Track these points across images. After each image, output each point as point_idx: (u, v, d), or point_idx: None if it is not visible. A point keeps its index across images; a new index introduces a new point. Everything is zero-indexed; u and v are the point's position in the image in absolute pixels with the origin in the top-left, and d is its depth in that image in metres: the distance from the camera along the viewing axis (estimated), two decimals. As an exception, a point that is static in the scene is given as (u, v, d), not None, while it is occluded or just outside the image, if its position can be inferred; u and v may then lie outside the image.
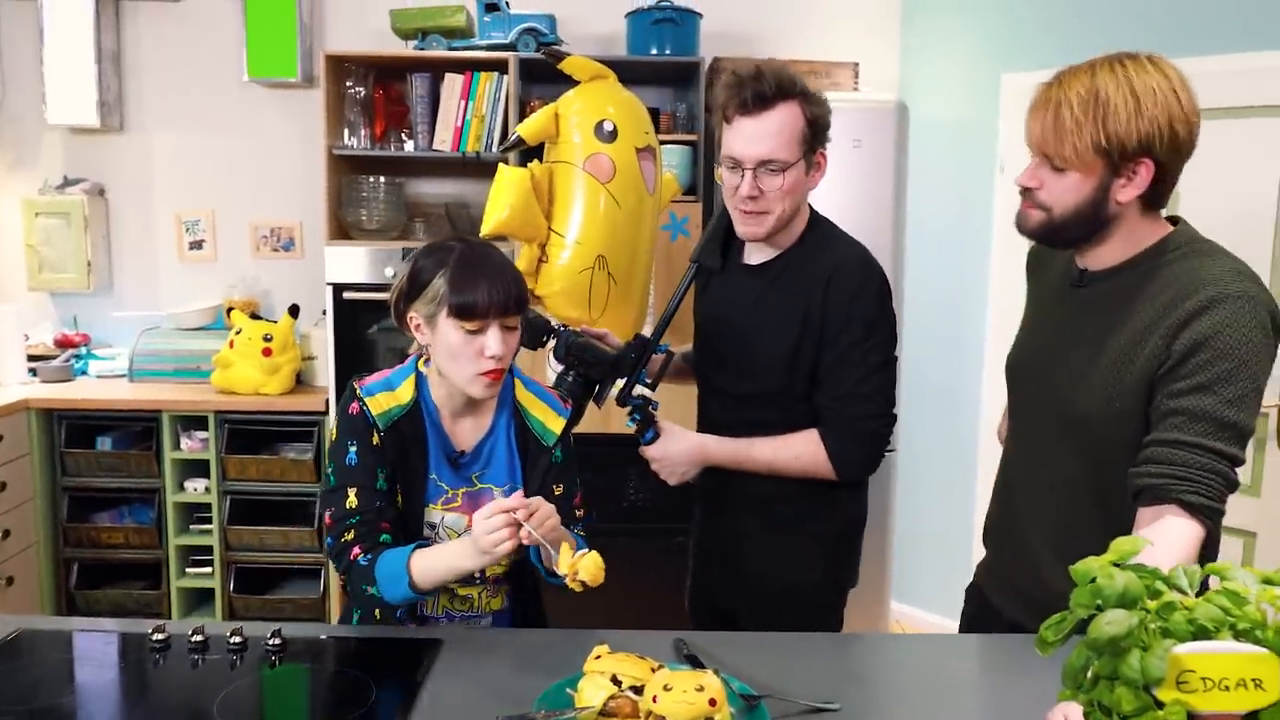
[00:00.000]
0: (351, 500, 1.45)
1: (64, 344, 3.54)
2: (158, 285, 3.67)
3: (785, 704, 1.22)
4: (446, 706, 1.24)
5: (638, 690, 1.14)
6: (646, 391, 1.74)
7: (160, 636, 1.38)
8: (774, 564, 1.78)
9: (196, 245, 3.66)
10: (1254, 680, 0.80)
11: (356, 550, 1.44)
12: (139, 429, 3.30)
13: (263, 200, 3.64)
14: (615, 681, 1.15)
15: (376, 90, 3.33)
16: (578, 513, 1.59)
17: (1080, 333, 1.43)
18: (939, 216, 3.47)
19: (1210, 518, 1.25)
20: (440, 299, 1.42)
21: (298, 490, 3.24)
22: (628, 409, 1.74)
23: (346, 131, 3.28)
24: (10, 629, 1.44)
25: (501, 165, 1.81)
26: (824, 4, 3.62)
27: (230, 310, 3.35)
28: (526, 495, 1.52)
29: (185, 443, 3.24)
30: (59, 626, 1.51)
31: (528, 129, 1.83)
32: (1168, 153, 1.31)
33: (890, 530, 3.41)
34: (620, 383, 1.73)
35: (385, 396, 1.49)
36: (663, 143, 3.13)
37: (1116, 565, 0.87)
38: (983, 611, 1.64)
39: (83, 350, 3.54)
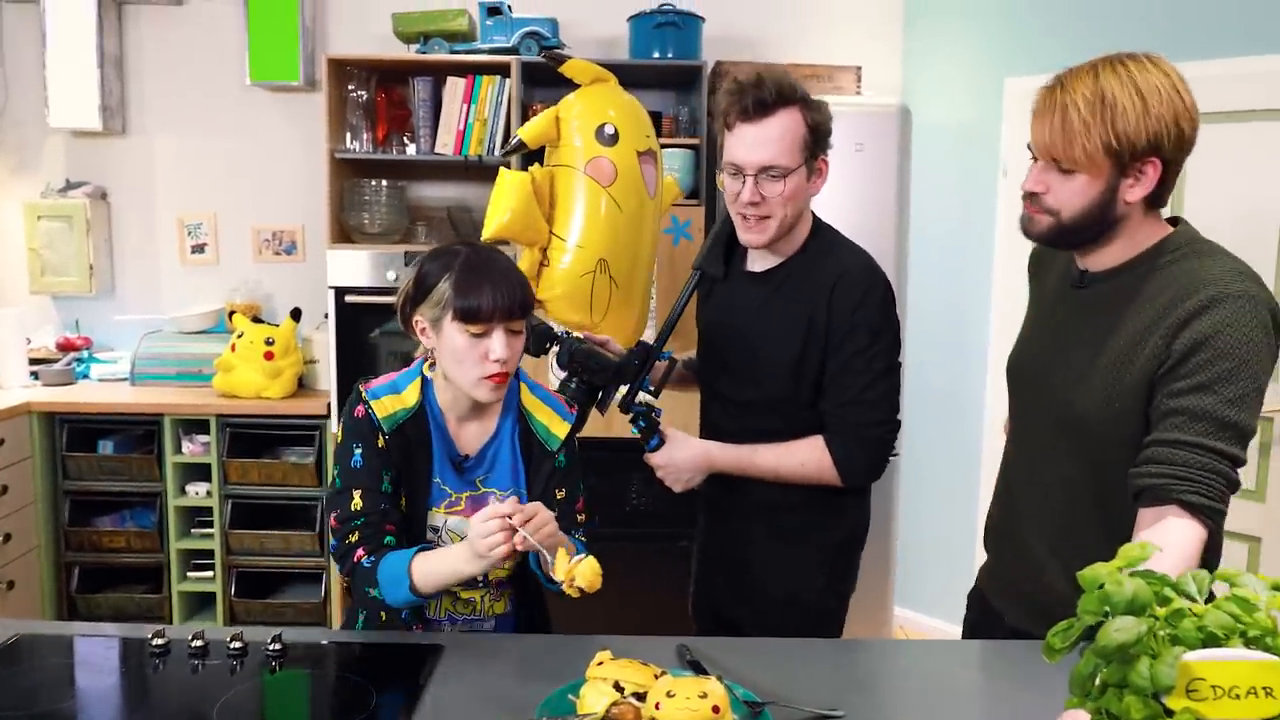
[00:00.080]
0: (356, 502, 1.46)
1: (66, 347, 3.53)
2: (159, 289, 3.67)
3: (789, 711, 1.21)
4: (448, 713, 1.23)
5: (640, 697, 1.13)
6: (650, 399, 1.74)
7: (160, 642, 1.38)
8: (778, 571, 1.78)
9: (198, 249, 3.66)
10: (1264, 688, 0.79)
11: (361, 552, 1.44)
12: (140, 433, 3.29)
13: (265, 204, 3.64)
14: (618, 688, 1.14)
15: (378, 94, 3.33)
16: (579, 518, 1.58)
17: (1080, 334, 1.43)
18: (942, 220, 3.47)
19: (1212, 518, 1.25)
20: (445, 302, 1.42)
21: (299, 494, 3.24)
22: (631, 416, 1.74)
23: (348, 135, 3.28)
24: (9, 634, 1.43)
25: (502, 169, 1.80)
26: (826, 7, 3.62)
27: (232, 314, 3.35)
28: (529, 499, 1.52)
29: (187, 446, 3.23)
30: (58, 631, 1.50)
31: (528, 132, 1.83)
32: (1174, 151, 1.31)
33: (893, 535, 3.39)
34: (623, 390, 1.73)
35: (391, 400, 1.50)
36: (665, 146, 3.13)
37: (1124, 571, 0.86)
38: (984, 616, 1.64)
39: (84, 354, 3.54)
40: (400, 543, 1.46)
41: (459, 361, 1.44)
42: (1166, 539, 1.19)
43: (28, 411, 3.13)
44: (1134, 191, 1.33)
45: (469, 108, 3.21)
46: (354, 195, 3.28)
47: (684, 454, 1.74)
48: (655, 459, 1.75)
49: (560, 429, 1.57)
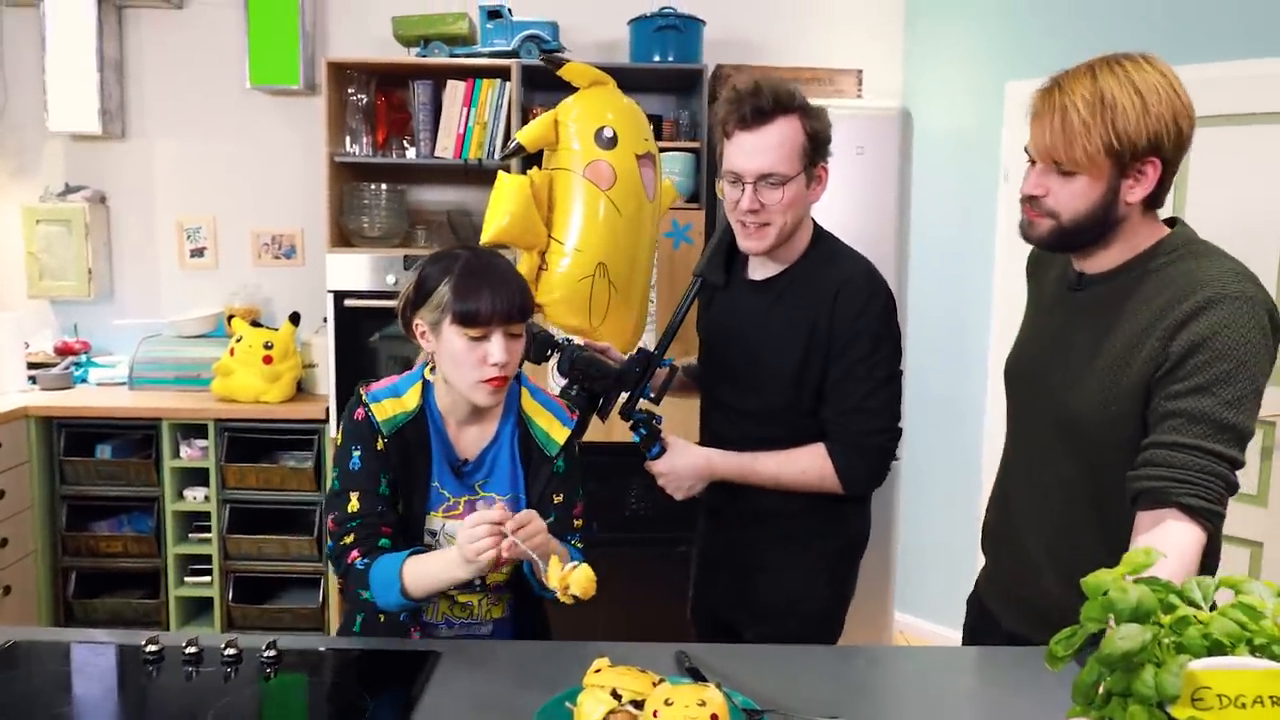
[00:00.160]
0: (353, 504, 1.46)
1: (64, 351, 3.52)
2: (159, 293, 3.66)
3: (788, 718, 1.20)
4: (443, 720, 1.22)
5: (638, 705, 1.12)
6: (651, 406, 1.74)
7: (154, 648, 1.36)
8: (779, 576, 1.78)
9: (198, 252, 3.66)
10: (1271, 697, 0.78)
11: (355, 554, 1.44)
12: (138, 437, 3.28)
13: (264, 207, 3.63)
14: (615, 696, 1.13)
15: (378, 97, 3.32)
16: (576, 524, 1.57)
17: (1077, 336, 1.42)
18: (942, 224, 3.46)
19: (1211, 520, 1.24)
20: (444, 306, 1.43)
21: (297, 499, 3.23)
22: (631, 423, 1.73)
23: (348, 139, 3.28)
24: (3, 640, 1.42)
25: (501, 172, 1.79)
26: (827, 11, 3.62)
27: (231, 318, 3.34)
28: (528, 504, 1.52)
29: (185, 451, 3.22)
30: (52, 637, 1.49)
31: (527, 135, 1.82)
32: (1173, 150, 1.31)
33: (894, 540, 3.38)
34: (624, 397, 1.73)
35: (391, 403, 1.50)
36: (666, 150, 3.14)
37: (1128, 578, 0.85)
38: (981, 620, 1.64)
39: (83, 358, 3.53)
40: (396, 545, 1.45)
41: (458, 365, 1.44)
42: (1166, 542, 1.19)
43: (25, 416, 3.12)
44: (1134, 192, 1.33)
45: (469, 111, 3.20)
46: (353, 199, 3.27)
47: (685, 462, 1.74)
48: (656, 467, 1.75)
49: (560, 434, 1.56)
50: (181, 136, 3.61)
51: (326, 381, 3.27)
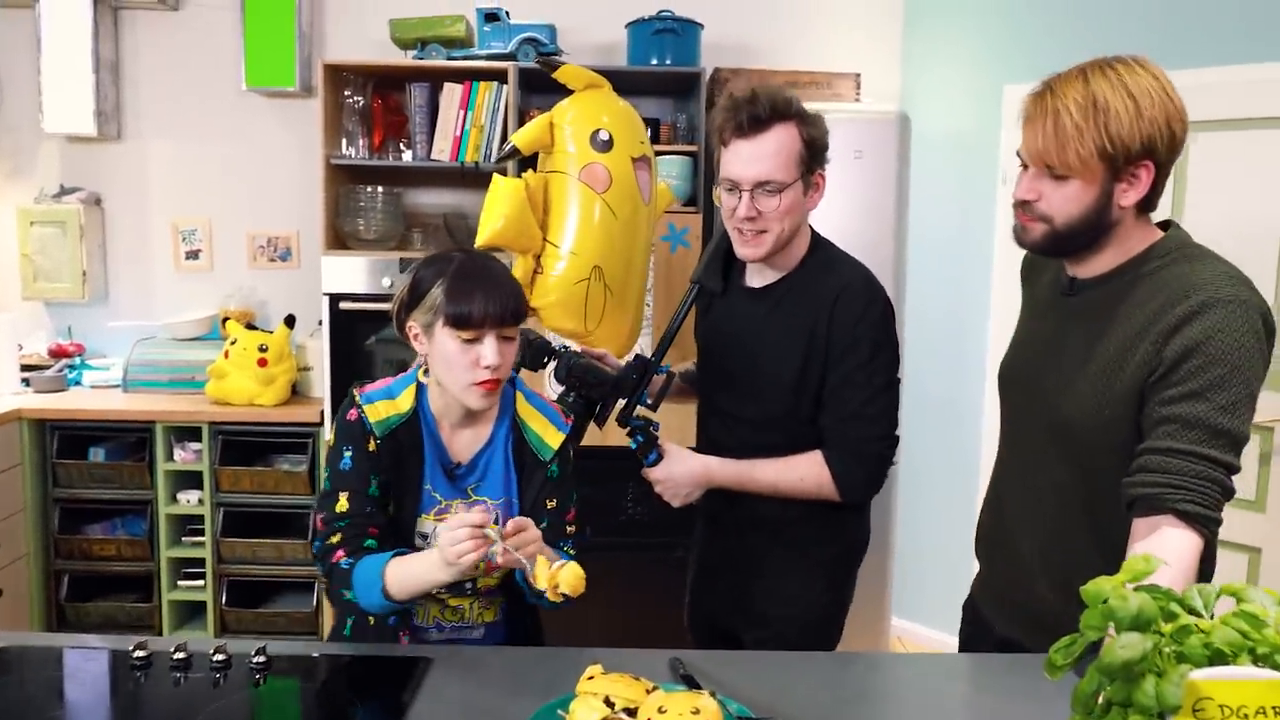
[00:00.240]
0: (342, 504, 1.46)
1: (58, 354, 3.51)
2: (153, 295, 3.65)
3: (784, 727, 1.19)
4: (435, 728, 1.21)
5: (631, 713, 1.11)
6: (648, 413, 1.73)
7: (142, 654, 1.35)
8: (777, 584, 1.77)
9: (193, 255, 3.64)
10: (1274, 708, 0.76)
11: (340, 553, 1.44)
12: (132, 440, 3.26)
13: (260, 210, 3.62)
14: (608, 703, 1.12)
15: (375, 100, 3.31)
16: (569, 529, 1.57)
17: (1070, 340, 1.42)
18: (941, 228, 3.45)
19: (1207, 526, 1.23)
20: (437, 308, 1.42)
21: (292, 503, 3.21)
22: (629, 430, 1.73)
23: (344, 141, 3.26)
24: (-11, 645, 1.40)
25: (496, 175, 1.78)
26: (825, 14, 3.61)
27: (226, 320, 3.32)
28: (521, 509, 1.52)
29: (179, 454, 3.21)
30: (40, 642, 1.47)
31: (522, 138, 1.81)
32: (1167, 153, 1.31)
33: (891, 545, 3.37)
34: (621, 404, 1.73)
35: (385, 404, 1.49)
36: (663, 153, 3.14)
37: (1128, 585, 0.84)
38: (975, 626, 1.64)
39: (77, 360, 3.51)
40: (383, 547, 1.45)
41: (450, 367, 1.43)
42: (1164, 549, 1.18)
43: (18, 418, 3.10)
44: (1128, 196, 1.32)
45: (466, 114, 3.19)
46: (349, 201, 3.26)
47: (682, 469, 1.73)
48: (653, 474, 1.74)
49: (554, 439, 1.55)
50: (177, 138, 3.59)
51: (322, 385, 3.25)
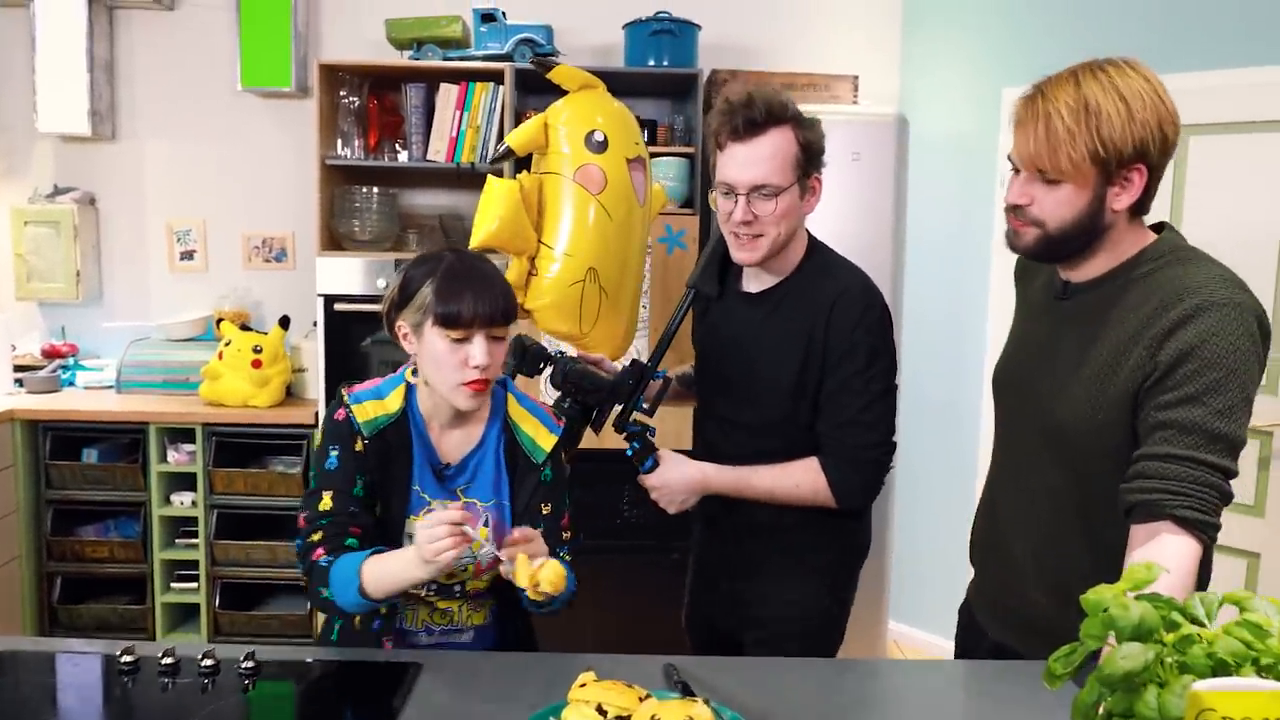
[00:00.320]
0: (325, 503, 1.45)
1: (51, 354, 3.49)
2: (148, 296, 3.63)
3: (779, 735, 1.17)
4: (425, 735, 1.19)
5: (624, 721, 1.09)
6: (644, 418, 1.72)
7: (129, 659, 1.33)
8: (777, 588, 1.76)
9: (187, 255, 3.62)
10: (1278, 720, 0.75)
11: (320, 551, 1.42)
12: (126, 441, 3.24)
13: (255, 210, 3.60)
14: (600, 711, 1.10)
15: (371, 100, 3.29)
16: (565, 535, 1.55)
17: (1063, 344, 1.41)
18: (939, 230, 3.44)
19: (1206, 532, 1.22)
20: (427, 308, 1.41)
21: (286, 505, 3.18)
22: (625, 435, 1.71)
23: (340, 141, 3.25)
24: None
25: (490, 176, 1.77)
26: (824, 16, 3.60)
27: (220, 321, 3.30)
28: (513, 512, 1.51)
29: (172, 455, 3.19)
30: (26, 647, 1.46)
31: (517, 139, 1.80)
32: (1159, 156, 1.30)
33: (889, 548, 3.35)
34: (618, 409, 1.71)
35: (373, 405, 1.48)
36: (660, 155, 3.13)
37: (1129, 594, 0.82)
38: (968, 631, 1.63)
39: (70, 361, 3.50)
40: (363, 547, 1.43)
41: (439, 367, 1.42)
42: (1163, 556, 1.17)
43: (11, 419, 3.08)
44: (1121, 200, 1.31)
45: (462, 114, 3.17)
46: (345, 202, 3.25)
47: (678, 476, 1.71)
48: (650, 481, 1.72)
49: (546, 441, 1.54)
50: (172, 138, 3.57)
51: (316, 386, 3.23)
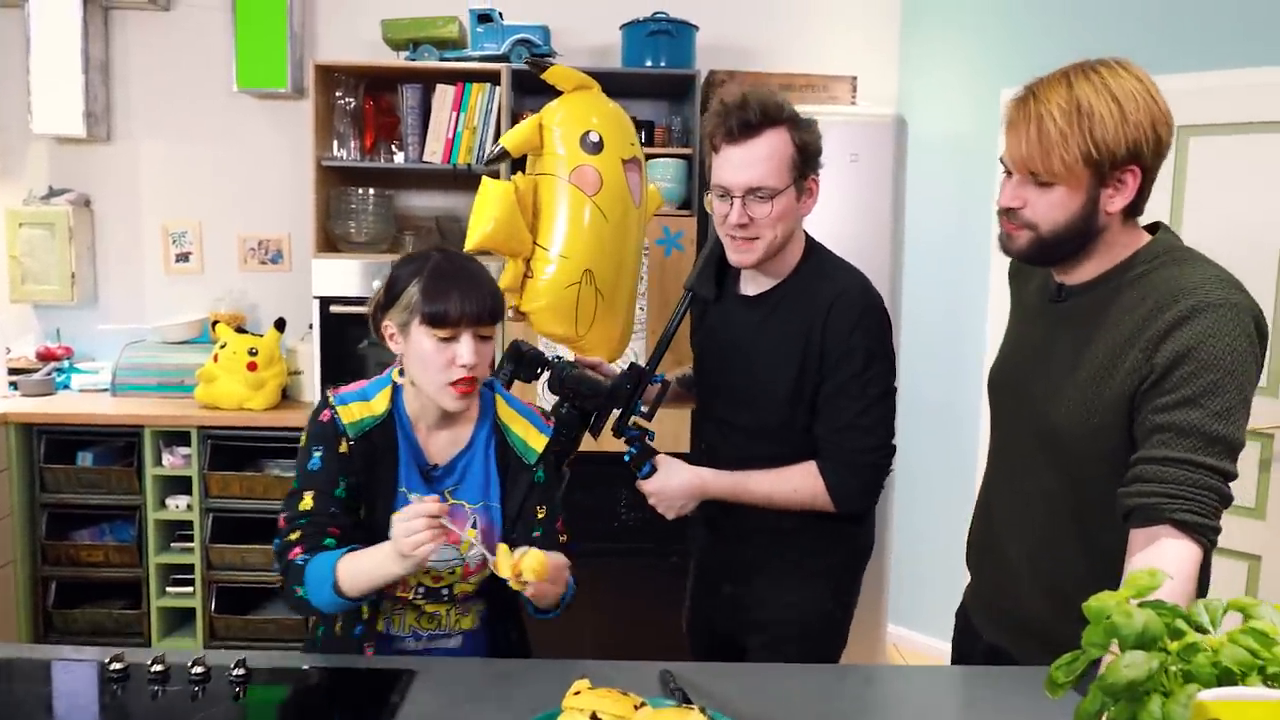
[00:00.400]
0: (306, 502, 1.44)
1: (46, 357, 3.47)
2: (143, 298, 3.61)
3: (776, 743, 1.16)
4: (417, 744, 1.18)
5: (619, 729, 1.07)
6: (643, 422, 1.71)
7: (119, 666, 1.31)
8: (778, 592, 1.74)
9: (183, 257, 3.61)
10: (1285, 730, 0.73)
11: (297, 550, 1.41)
12: (120, 444, 3.23)
13: (251, 212, 3.59)
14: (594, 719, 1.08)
15: (367, 101, 3.28)
16: (562, 538, 1.53)
17: (1057, 347, 1.39)
18: (937, 231, 3.43)
19: (1206, 536, 1.21)
20: (413, 307, 1.40)
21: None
22: (624, 440, 1.70)
23: (336, 143, 3.23)
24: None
25: (485, 178, 1.76)
26: (822, 17, 3.59)
27: (215, 323, 3.29)
28: (506, 513, 1.50)
29: (167, 459, 3.17)
30: (15, 654, 1.44)
31: (512, 140, 1.78)
32: (1153, 157, 1.28)
33: (888, 551, 3.34)
34: (616, 414, 1.70)
35: (359, 406, 1.47)
36: (658, 156, 3.11)
37: (1133, 601, 0.81)
38: (964, 634, 1.62)
39: (65, 363, 3.48)
40: (341, 548, 1.41)
41: (426, 367, 1.41)
42: (1163, 561, 1.16)
43: (5, 422, 3.06)
44: (1114, 202, 1.30)
45: (458, 115, 3.16)
46: (341, 204, 3.23)
47: (676, 481, 1.70)
48: (647, 486, 1.71)
49: (538, 442, 1.53)
50: (167, 140, 3.56)
51: (312, 389, 3.22)
